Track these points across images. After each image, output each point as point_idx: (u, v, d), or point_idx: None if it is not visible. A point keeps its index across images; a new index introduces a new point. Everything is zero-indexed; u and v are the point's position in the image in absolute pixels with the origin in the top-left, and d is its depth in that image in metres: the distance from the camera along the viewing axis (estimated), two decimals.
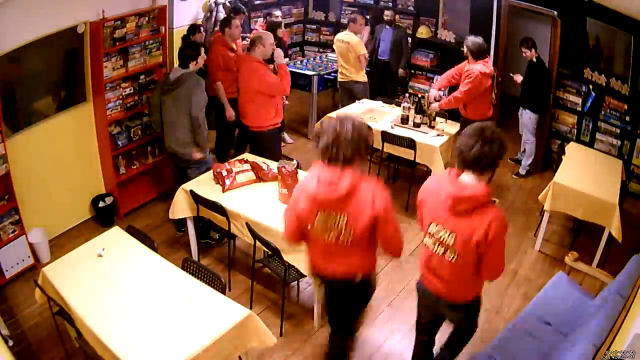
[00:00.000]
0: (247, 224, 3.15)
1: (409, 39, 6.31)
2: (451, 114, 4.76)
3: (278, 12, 5.82)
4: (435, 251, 2.22)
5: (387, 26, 6.05)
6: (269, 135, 4.22)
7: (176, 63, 3.82)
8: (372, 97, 5.56)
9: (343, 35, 5.45)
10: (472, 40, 4.26)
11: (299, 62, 6.31)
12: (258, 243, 3.20)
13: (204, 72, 4.35)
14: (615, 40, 4.65)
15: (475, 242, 2.07)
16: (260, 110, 4.08)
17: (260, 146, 4.23)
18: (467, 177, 2.12)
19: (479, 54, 4.20)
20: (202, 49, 3.74)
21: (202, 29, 4.79)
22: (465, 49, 4.30)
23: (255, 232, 3.11)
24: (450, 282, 2.26)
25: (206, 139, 3.76)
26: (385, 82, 6.34)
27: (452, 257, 2.17)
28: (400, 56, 6.12)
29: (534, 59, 4.83)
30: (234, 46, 4.69)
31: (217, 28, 5.45)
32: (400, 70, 6.18)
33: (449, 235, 2.14)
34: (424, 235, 2.30)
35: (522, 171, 5.28)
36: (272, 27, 5.11)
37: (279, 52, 4.13)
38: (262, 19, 6.40)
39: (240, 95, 4.14)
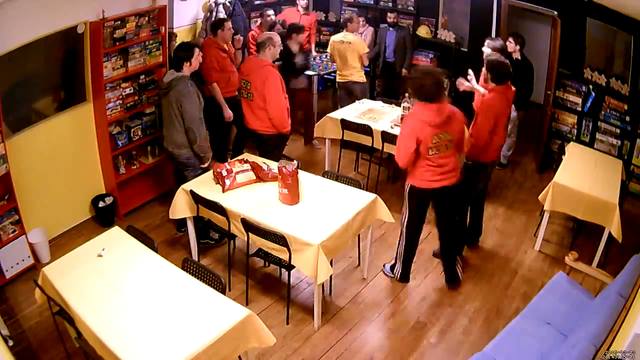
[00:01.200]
0: (242, 219, 3.16)
1: (411, 40, 6.32)
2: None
3: (270, 12, 5.82)
4: (441, 152, 3.17)
5: (390, 28, 6.07)
6: (279, 138, 4.22)
7: None
8: (379, 98, 5.58)
9: (342, 36, 5.45)
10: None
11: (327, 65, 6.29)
12: (258, 242, 3.21)
13: (199, 75, 4.32)
14: (615, 40, 4.65)
15: (461, 128, 3.26)
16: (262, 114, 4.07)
17: (268, 149, 4.20)
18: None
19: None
20: (197, 50, 3.72)
21: (229, 24, 4.76)
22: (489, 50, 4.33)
23: (250, 228, 3.13)
24: (454, 168, 3.28)
25: (205, 148, 3.81)
26: (393, 84, 6.37)
27: (452, 147, 3.21)
28: (404, 56, 6.15)
29: (519, 57, 4.89)
30: (226, 47, 4.70)
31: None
32: (403, 70, 6.19)
33: (447, 134, 3.16)
34: (425, 153, 3.16)
35: (503, 161, 5.41)
36: (271, 27, 5.12)
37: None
38: (256, 19, 6.40)
39: (253, 101, 4.04)
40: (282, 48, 4.20)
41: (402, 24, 6.35)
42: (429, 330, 3.32)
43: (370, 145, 4.62)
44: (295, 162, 3.36)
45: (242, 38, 4.86)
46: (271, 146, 4.21)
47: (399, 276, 3.69)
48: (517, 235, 4.31)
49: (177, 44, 4.61)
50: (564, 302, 3.07)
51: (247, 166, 3.64)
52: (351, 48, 5.35)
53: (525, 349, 2.70)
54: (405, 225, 3.51)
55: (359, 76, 5.51)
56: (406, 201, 3.44)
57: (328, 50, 5.68)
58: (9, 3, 3.23)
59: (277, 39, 4.05)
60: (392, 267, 3.74)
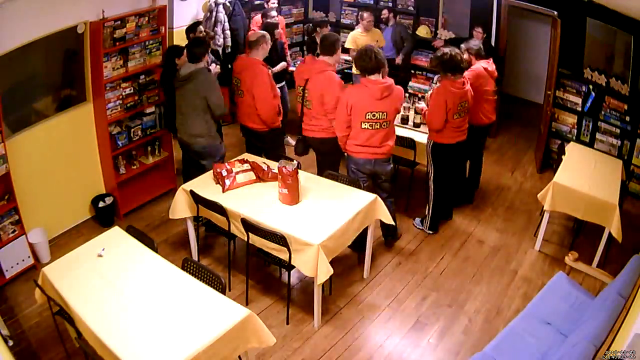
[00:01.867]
0: (242, 219, 3.16)
1: (409, 32, 6.37)
2: None
3: (274, 13, 5.83)
4: (374, 128, 3.53)
5: (384, 25, 6.13)
6: (273, 135, 4.22)
7: None
8: None
9: (361, 32, 5.70)
10: (471, 43, 4.31)
11: (298, 62, 6.30)
12: (258, 242, 3.21)
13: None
14: (615, 40, 4.65)
15: (395, 109, 3.64)
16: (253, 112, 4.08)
17: (265, 146, 4.24)
18: (374, 77, 3.50)
19: (480, 53, 4.25)
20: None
21: (201, 28, 4.78)
22: (466, 55, 4.22)
23: (250, 228, 3.13)
24: (383, 144, 3.62)
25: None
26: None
27: (385, 126, 3.55)
28: (400, 50, 6.22)
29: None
30: None
31: (217, 28, 5.47)
32: (397, 58, 6.20)
33: (381, 114, 3.51)
34: (359, 124, 3.53)
35: None
36: (268, 27, 5.11)
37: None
38: (259, 16, 6.40)
39: (244, 98, 4.08)
40: (271, 45, 4.23)
41: (398, 21, 6.38)
42: (429, 330, 3.32)
43: None
44: (295, 162, 3.37)
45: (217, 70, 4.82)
46: (267, 143, 4.23)
47: (428, 226, 4.26)
48: (517, 235, 4.31)
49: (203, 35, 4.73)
50: (564, 302, 3.07)
51: (247, 166, 3.64)
52: (375, 38, 5.61)
53: (525, 349, 2.70)
54: (432, 179, 4.08)
55: None
56: (431, 158, 4.03)
57: (350, 45, 5.76)
58: (9, 3, 3.23)
59: (268, 38, 4.09)
60: (422, 221, 4.31)
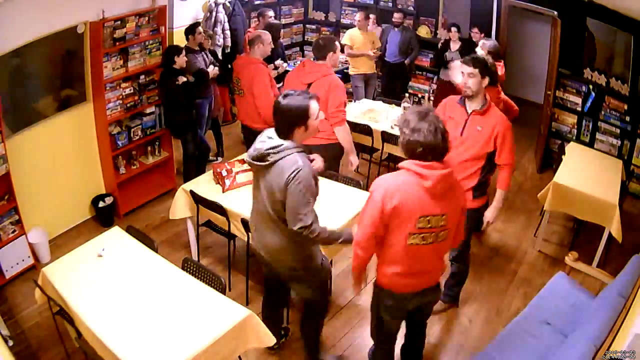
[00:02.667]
0: (242, 219, 3.15)
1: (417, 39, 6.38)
2: None
3: (271, 13, 5.83)
4: (426, 243, 2.16)
5: (394, 28, 6.10)
6: None
7: None
8: (379, 98, 5.62)
9: (358, 30, 5.72)
10: (490, 42, 4.29)
11: (298, 62, 6.31)
12: None
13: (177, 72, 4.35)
14: (615, 40, 4.65)
15: (461, 209, 2.25)
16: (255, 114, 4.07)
17: None
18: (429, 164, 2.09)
19: (497, 54, 4.22)
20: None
21: (200, 29, 4.79)
22: (488, 57, 4.20)
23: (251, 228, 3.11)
24: (434, 268, 2.33)
25: None
26: (395, 84, 6.39)
27: (443, 239, 2.19)
28: (407, 57, 6.24)
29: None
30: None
31: (217, 28, 5.47)
32: (407, 61, 6.23)
33: (441, 217, 2.13)
34: (405, 239, 2.14)
35: None
36: (269, 27, 5.11)
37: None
38: (255, 19, 6.40)
39: (244, 97, 4.09)
40: (272, 47, 4.20)
41: (405, 25, 6.38)
42: (429, 330, 3.31)
43: (370, 145, 4.62)
44: None
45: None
46: None
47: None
48: (517, 235, 4.31)
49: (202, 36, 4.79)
50: (564, 302, 3.06)
51: (247, 166, 3.63)
52: (370, 39, 5.64)
53: (525, 349, 2.69)
54: None
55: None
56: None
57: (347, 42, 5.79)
58: (9, 3, 3.23)
59: (267, 37, 4.05)
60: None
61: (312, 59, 3.81)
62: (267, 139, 2.33)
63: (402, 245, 2.15)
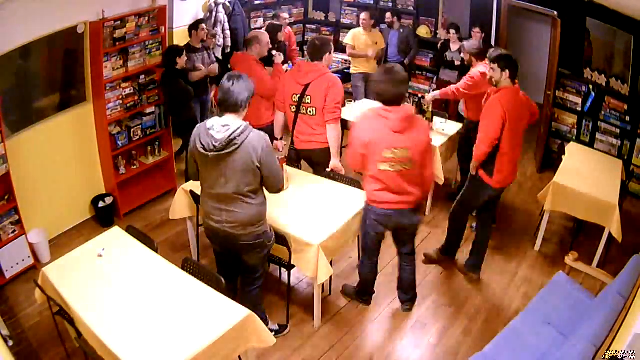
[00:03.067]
0: None
1: (415, 38, 6.39)
2: (459, 117, 4.79)
3: (286, 15, 5.86)
4: (394, 170, 2.81)
5: (389, 28, 6.12)
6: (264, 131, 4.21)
7: None
8: None
9: (362, 31, 5.72)
10: (469, 43, 4.34)
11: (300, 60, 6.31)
12: None
13: (182, 73, 4.38)
14: (615, 40, 4.65)
15: (424, 146, 2.86)
16: (255, 109, 4.06)
17: None
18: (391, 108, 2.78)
19: (480, 54, 4.20)
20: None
21: (204, 26, 4.80)
22: (467, 57, 4.30)
23: None
24: (411, 191, 2.92)
25: None
26: None
27: (409, 168, 2.83)
28: (407, 55, 6.25)
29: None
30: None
31: (217, 28, 5.47)
32: (406, 60, 6.23)
33: (405, 150, 2.78)
34: (375, 165, 2.83)
35: None
36: (271, 28, 5.11)
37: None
38: (262, 19, 6.41)
39: None
40: (270, 47, 4.21)
41: (403, 24, 6.39)
42: (429, 330, 3.32)
43: None
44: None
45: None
46: None
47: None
48: (517, 235, 4.31)
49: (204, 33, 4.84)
50: (564, 302, 3.07)
51: None
52: (374, 40, 5.65)
53: (525, 349, 2.70)
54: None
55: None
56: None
57: (349, 41, 5.80)
58: (9, 3, 3.23)
59: (264, 37, 4.05)
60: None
61: (306, 60, 3.79)
62: (223, 127, 2.48)
63: (375, 170, 2.85)
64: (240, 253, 2.85)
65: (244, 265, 2.92)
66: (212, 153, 2.49)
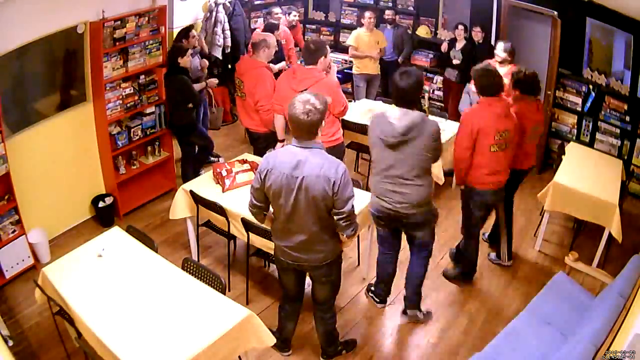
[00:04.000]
0: (242, 219, 3.15)
1: (409, 35, 6.37)
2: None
3: (278, 10, 5.82)
4: (501, 149, 3.19)
5: (388, 26, 6.11)
6: (270, 137, 4.20)
7: None
8: (379, 98, 5.63)
9: (365, 31, 5.70)
10: (507, 44, 4.48)
11: (298, 62, 6.31)
12: (258, 242, 3.21)
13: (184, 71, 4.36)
14: (615, 40, 4.65)
15: (516, 129, 3.25)
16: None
17: (260, 146, 4.24)
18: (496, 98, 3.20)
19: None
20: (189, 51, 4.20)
21: (194, 32, 4.80)
22: (505, 55, 4.40)
23: (250, 228, 3.13)
24: (504, 169, 3.32)
25: None
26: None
27: (510, 147, 3.24)
28: (401, 53, 6.23)
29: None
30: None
31: (217, 28, 5.47)
32: (399, 59, 6.21)
33: (507, 132, 3.17)
34: (488, 148, 3.17)
35: None
36: (268, 28, 5.11)
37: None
38: (261, 19, 6.41)
39: (245, 100, 4.07)
40: (277, 49, 4.20)
41: (400, 23, 6.39)
42: (429, 330, 3.32)
43: None
44: None
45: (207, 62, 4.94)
46: (262, 144, 4.21)
47: (507, 257, 3.92)
48: (517, 235, 4.30)
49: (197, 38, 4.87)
50: (564, 302, 3.07)
51: (247, 166, 3.64)
52: (377, 39, 5.67)
53: (525, 349, 2.69)
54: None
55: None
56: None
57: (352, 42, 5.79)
58: (9, 3, 3.23)
59: (272, 40, 4.03)
60: (498, 254, 3.95)
61: (301, 63, 3.76)
62: (402, 114, 2.83)
63: (487, 152, 3.18)
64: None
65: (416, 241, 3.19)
66: (399, 138, 2.78)
